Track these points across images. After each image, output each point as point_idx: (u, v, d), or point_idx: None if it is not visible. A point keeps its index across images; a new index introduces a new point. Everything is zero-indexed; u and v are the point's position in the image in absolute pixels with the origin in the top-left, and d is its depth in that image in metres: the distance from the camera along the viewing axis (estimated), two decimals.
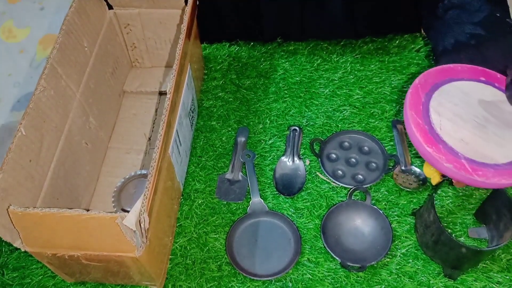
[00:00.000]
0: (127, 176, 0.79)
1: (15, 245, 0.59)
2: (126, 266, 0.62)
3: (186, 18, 0.71)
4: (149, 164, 0.73)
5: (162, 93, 0.91)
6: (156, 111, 0.89)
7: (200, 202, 0.79)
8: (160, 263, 0.69)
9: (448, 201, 0.76)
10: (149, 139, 0.86)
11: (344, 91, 0.90)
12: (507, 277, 0.70)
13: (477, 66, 0.68)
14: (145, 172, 0.78)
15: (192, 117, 0.83)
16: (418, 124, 0.61)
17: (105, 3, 0.82)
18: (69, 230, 0.57)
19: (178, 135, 0.72)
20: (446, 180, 0.75)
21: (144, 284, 0.70)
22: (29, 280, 0.73)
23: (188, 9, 0.73)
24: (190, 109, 0.80)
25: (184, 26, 0.70)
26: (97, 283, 0.71)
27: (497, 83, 0.67)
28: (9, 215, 0.56)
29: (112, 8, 0.83)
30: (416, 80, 0.65)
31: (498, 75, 0.68)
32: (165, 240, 0.71)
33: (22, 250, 0.60)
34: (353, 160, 0.81)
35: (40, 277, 0.73)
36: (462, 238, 0.73)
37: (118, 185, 0.78)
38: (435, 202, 0.74)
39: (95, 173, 0.80)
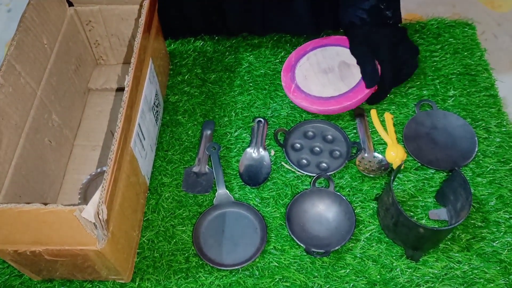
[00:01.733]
0: (93, 173, 0.79)
1: None
2: (90, 260, 0.62)
3: (144, 12, 0.72)
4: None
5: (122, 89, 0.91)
6: (122, 106, 0.89)
7: (167, 195, 0.79)
8: (126, 256, 0.69)
9: (410, 185, 0.78)
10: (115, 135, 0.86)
11: None
12: (467, 256, 0.72)
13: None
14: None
15: (157, 111, 0.83)
16: (286, 76, 0.89)
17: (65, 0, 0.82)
18: (29, 225, 0.57)
19: (140, 129, 0.72)
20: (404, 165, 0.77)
21: (111, 279, 0.71)
22: None
23: (146, 3, 0.73)
24: (154, 103, 0.80)
25: (142, 20, 0.71)
26: (64, 279, 0.71)
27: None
28: None
29: (73, 5, 0.83)
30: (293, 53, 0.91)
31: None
32: (131, 234, 0.71)
33: None
34: (317, 148, 0.83)
35: (6, 277, 0.73)
36: (424, 220, 0.75)
37: (84, 182, 0.78)
38: (397, 186, 0.76)
39: (60, 170, 0.80)
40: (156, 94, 0.81)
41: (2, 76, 0.62)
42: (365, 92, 0.82)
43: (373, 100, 0.86)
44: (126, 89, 0.64)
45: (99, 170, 0.79)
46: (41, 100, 0.71)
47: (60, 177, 0.80)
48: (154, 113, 0.81)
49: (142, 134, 0.73)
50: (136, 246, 0.74)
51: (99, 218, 0.55)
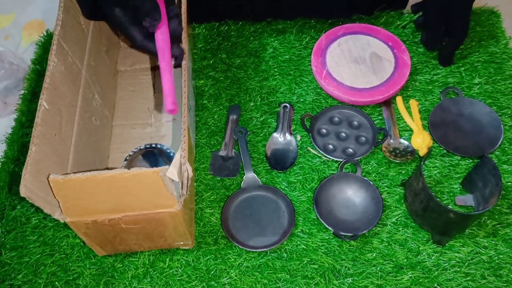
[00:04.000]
0: (135, 150, 0.79)
1: (54, 216, 0.59)
2: (164, 224, 0.64)
3: None
4: (157, 135, 0.77)
5: (155, 69, 0.92)
6: (153, 85, 0.90)
7: (195, 179, 0.80)
8: (191, 221, 0.72)
9: (435, 172, 0.79)
10: (153, 112, 0.87)
11: None
12: (493, 242, 0.72)
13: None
14: (154, 145, 0.79)
15: (193, 85, 0.84)
16: (316, 60, 0.89)
17: None
18: (110, 193, 0.57)
19: (189, 102, 0.73)
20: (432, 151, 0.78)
21: (176, 245, 0.72)
22: (28, 259, 0.74)
23: None
24: (192, 77, 0.81)
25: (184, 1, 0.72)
26: (120, 254, 0.73)
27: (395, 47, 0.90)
28: (49, 185, 0.56)
29: None
30: (323, 35, 0.91)
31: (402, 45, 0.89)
32: (193, 198, 0.73)
33: (62, 221, 0.61)
34: (343, 134, 0.83)
35: (38, 256, 0.74)
36: (450, 206, 0.76)
37: (127, 159, 0.79)
38: (423, 172, 0.77)
39: (106, 149, 0.81)
40: (192, 69, 0.82)
41: (55, 55, 0.62)
42: (397, 88, 0.84)
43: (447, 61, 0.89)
44: (184, 62, 0.66)
45: (142, 147, 0.80)
46: (86, 79, 0.72)
47: (105, 157, 0.81)
48: (193, 87, 0.82)
49: (190, 106, 0.75)
50: (194, 215, 0.76)
51: (182, 176, 0.56)
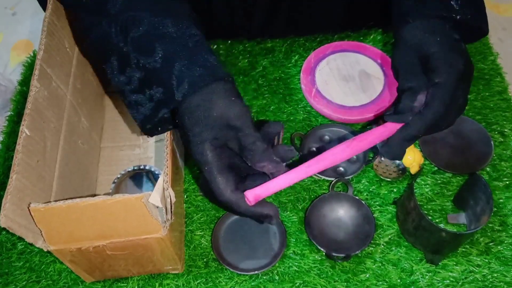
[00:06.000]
0: (123, 172, 0.78)
1: (37, 245, 0.58)
2: (151, 249, 0.63)
3: None
4: (146, 157, 0.75)
5: None
6: None
7: (184, 200, 0.79)
8: (180, 245, 0.71)
9: (427, 189, 0.78)
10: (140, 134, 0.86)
11: None
12: (486, 260, 0.72)
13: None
14: (142, 166, 0.78)
15: None
16: (305, 78, 0.89)
17: None
18: (94, 220, 0.56)
19: None
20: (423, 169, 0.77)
21: (166, 270, 0.71)
22: (13, 286, 0.72)
23: None
24: None
25: None
26: (113, 279, 0.72)
27: (384, 64, 0.89)
28: (30, 214, 0.54)
29: None
30: (312, 53, 0.92)
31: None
32: (181, 221, 0.72)
33: (45, 250, 0.59)
34: None
35: (24, 282, 0.73)
36: (442, 224, 0.75)
37: (115, 181, 0.78)
38: (414, 190, 0.76)
39: (93, 173, 0.80)
40: None
41: (38, 80, 0.62)
42: (387, 105, 0.84)
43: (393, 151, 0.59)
44: None
45: (129, 169, 0.79)
46: (71, 103, 0.71)
47: (94, 180, 0.80)
48: None
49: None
50: (184, 238, 0.75)
51: (166, 201, 0.55)
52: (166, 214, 0.58)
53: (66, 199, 0.54)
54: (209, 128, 0.52)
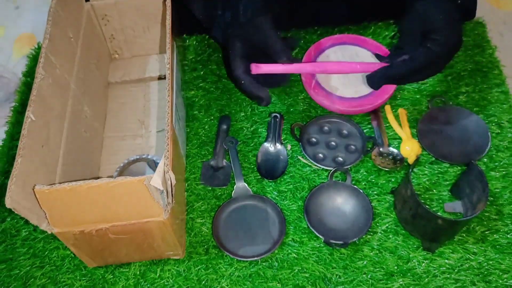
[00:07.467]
0: (126, 161, 0.80)
1: (41, 228, 0.59)
2: (152, 234, 0.64)
3: (169, 11, 0.73)
4: (147, 146, 0.76)
5: (145, 80, 0.93)
6: (144, 97, 0.91)
7: (185, 189, 0.80)
8: (182, 231, 0.72)
9: (424, 179, 0.80)
10: (143, 123, 0.87)
11: None
12: (482, 248, 0.73)
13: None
14: (144, 155, 0.79)
15: (183, 96, 0.85)
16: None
17: None
18: (96, 202, 0.57)
19: (178, 111, 0.74)
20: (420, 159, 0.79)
21: (167, 256, 0.72)
22: (17, 271, 0.74)
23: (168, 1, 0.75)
24: (183, 88, 0.82)
25: (168, 16, 0.72)
26: (114, 265, 0.73)
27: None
28: (35, 196, 0.56)
29: (89, 0, 0.84)
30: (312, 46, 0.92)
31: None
32: (182, 207, 0.73)
33: (49, 232, 0.60)
34: (333, 143, 0.84)
35: (28, 268, 0.74)
36: (439, 213, 0.76)
37: (117, 170, 0.79)
38: (412, 180, 0.77)
39: (96, 161, 0.82)
40: (181, 79, 0.83)
41: (43, 68, 0.63)
42: (385, 97, 0.85)
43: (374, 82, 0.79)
44: (168, 72, 0.67)
45: (132, 158, 0.80)
46: (75, 92, 0.73)
47: (96, 169, 0.81)
48: (182, 97, 0.83)
49: (179, 117, 0.75)
50: (185, 225, 0.76)
51: (166, 184, 0.57)
52: (167, 198, 0.59)
53: (75, 180, 0.55)
54: (245, 32, 0.74)
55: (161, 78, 0.93)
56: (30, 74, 0.97)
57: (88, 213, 0.59)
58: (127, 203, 0.58)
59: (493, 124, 0.85)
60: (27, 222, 0.78)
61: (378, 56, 0.86)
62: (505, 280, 0.70)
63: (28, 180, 0.56)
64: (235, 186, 0.79)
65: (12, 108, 0.93)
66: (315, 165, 0.82)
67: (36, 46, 1.02)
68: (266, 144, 0.84)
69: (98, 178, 0.55)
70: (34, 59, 1.00)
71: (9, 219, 0.78)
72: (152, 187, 0.55)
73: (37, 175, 0.58)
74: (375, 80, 0.78)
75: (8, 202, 0.52)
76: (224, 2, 0.76)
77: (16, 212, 0.53)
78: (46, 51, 0.64)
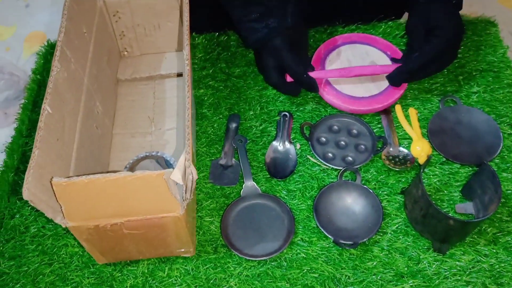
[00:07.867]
0: (135, 158, 0.79)
1: (56, 221, 0.59)
2: (166, 230, 0.63)
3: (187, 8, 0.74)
4: (157, 144, 0.76)
5: (155, 78, 0.92)
6: (154, 94, 0.90)
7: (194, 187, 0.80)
8: (193, 229, 0.71)
9: (435, 180, 0.79)
10: (153, 121, 0.87)
11: None
12: (494, 250, 0.72)
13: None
14: (154, 153, 0.79)
15: (193, 94, 0.85)
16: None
17: None
18: (113, 196, 0.57)
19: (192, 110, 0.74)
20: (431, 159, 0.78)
21: (178, 253, 0.72)
22: (26, 268, 0.74)
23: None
24: (192, 87, 0.82)
25: (186, 14, 0.72)
26: (123, 262, 0.73)
27: (393, 56, 0.90)
28: (52, 188, 0.55)
29: None
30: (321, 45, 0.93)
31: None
32: (194, 205, 0.73)
33: (63, 226, 0.60)
34: (343, 142, 0.84)
35: (36, 265, 0.74)
36: (450, 214, 0.75)
37: (126, 167, 0.79)
38: (422, 180, 0.77)
39: (105, 158, 0.82)
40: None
41: (59, 61, 0.63)
42: (396, 97, 0.84)
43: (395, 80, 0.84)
44: (186, 68, 0.67)
45: (141, 155, 0.80)
46: (88, 87, 0.72)
47: (106, 165, 0.81)
48: (193, 98, 0.82)
49: (192, 115, 0.76)
50: (195, 221, 0.76)
51: (187, 179, 0.56)
52: (186, 193, 0.59)
53: (87, 174, 0.55)
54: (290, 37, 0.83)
55: (170, 76, 0.92)
56: (40, 71, 0.97)
57: (104, 207, 0.58)
58: (144, 197, 0.57)
59: (505, 124, 0.84)
60: (36, 219, 0.78)
61: (394, 60, 0.88)
62: None
63: (44, 173, 0.56)
64: (244, 185, 0.79)
65: (22, 105, 0.93)
66: (325, 165, 0.81)
67: (46, 44, 1.03)
68: (275, 143, 0.83)
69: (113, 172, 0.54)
70: (44, 57, 1.00)
71: (18, 216, 0.79)
72: (171, 181, 0.54)
73: (53, 168, 0.58)
74: (395, 79, 0.83)
75: (26, 194, 0.51)
76: (268, 8, 0.82)
77: (32, 205, 0.53)
78: (62, 45, 0.64)
